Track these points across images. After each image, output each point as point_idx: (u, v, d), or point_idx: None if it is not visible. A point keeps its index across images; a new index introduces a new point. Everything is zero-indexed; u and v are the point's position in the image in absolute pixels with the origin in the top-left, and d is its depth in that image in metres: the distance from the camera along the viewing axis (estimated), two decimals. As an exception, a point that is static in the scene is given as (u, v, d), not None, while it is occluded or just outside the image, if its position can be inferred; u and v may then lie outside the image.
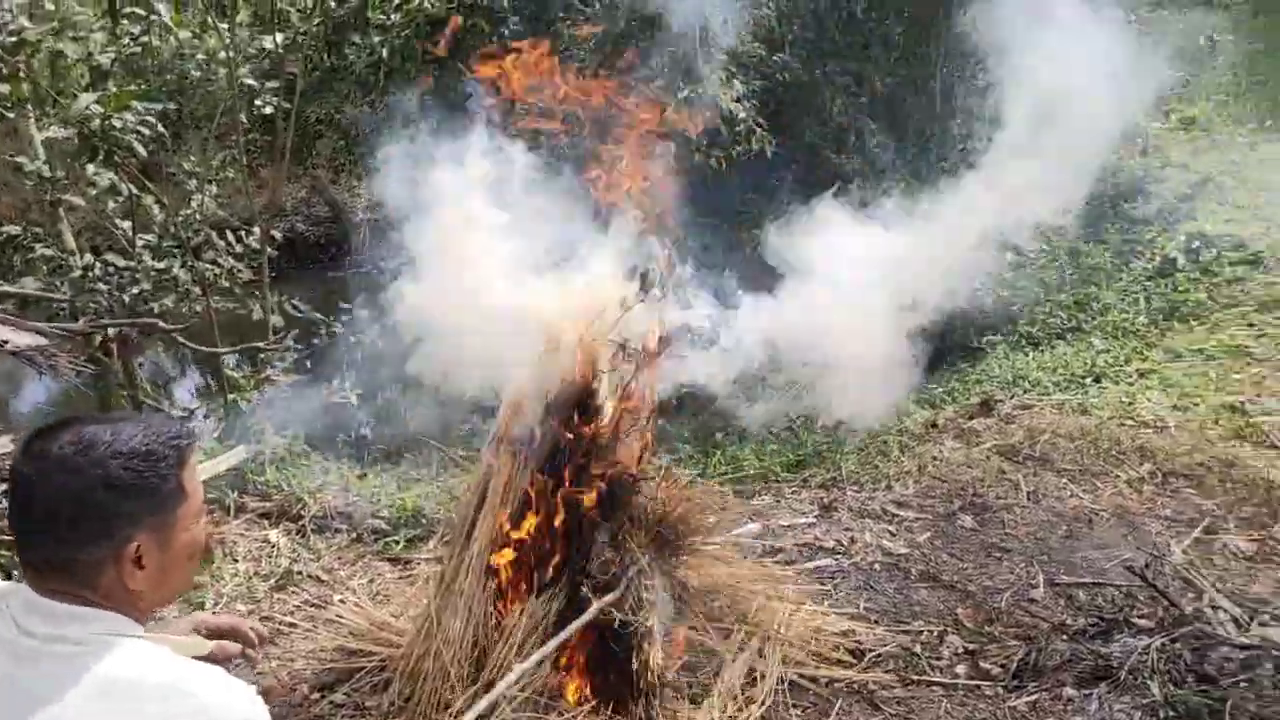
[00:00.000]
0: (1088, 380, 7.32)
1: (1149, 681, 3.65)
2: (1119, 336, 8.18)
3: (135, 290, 6.89)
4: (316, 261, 14.71)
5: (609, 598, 3.63)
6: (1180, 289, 8.50)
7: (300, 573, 4.65)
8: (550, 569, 3.72)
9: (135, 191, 7.02)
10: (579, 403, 3.69)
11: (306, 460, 5.87)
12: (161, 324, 5.66)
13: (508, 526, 3.69)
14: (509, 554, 3.70)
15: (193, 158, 8.67)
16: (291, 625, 4.24)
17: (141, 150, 6.61)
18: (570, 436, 3.70)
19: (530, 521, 3.73)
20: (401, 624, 4.11)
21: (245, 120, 7.71)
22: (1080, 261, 9.94)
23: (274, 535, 4.92)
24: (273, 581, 4.56)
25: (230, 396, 7.44)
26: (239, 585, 4.49)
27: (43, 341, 5.33)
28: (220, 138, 11.70)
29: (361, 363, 12.14)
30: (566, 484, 3.75)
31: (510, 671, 3.45)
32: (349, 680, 3.83)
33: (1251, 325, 7.50)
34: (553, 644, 3.54)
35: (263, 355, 7.30)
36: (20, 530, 1.52)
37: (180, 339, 5.92)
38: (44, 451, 1.49)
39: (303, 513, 5.13)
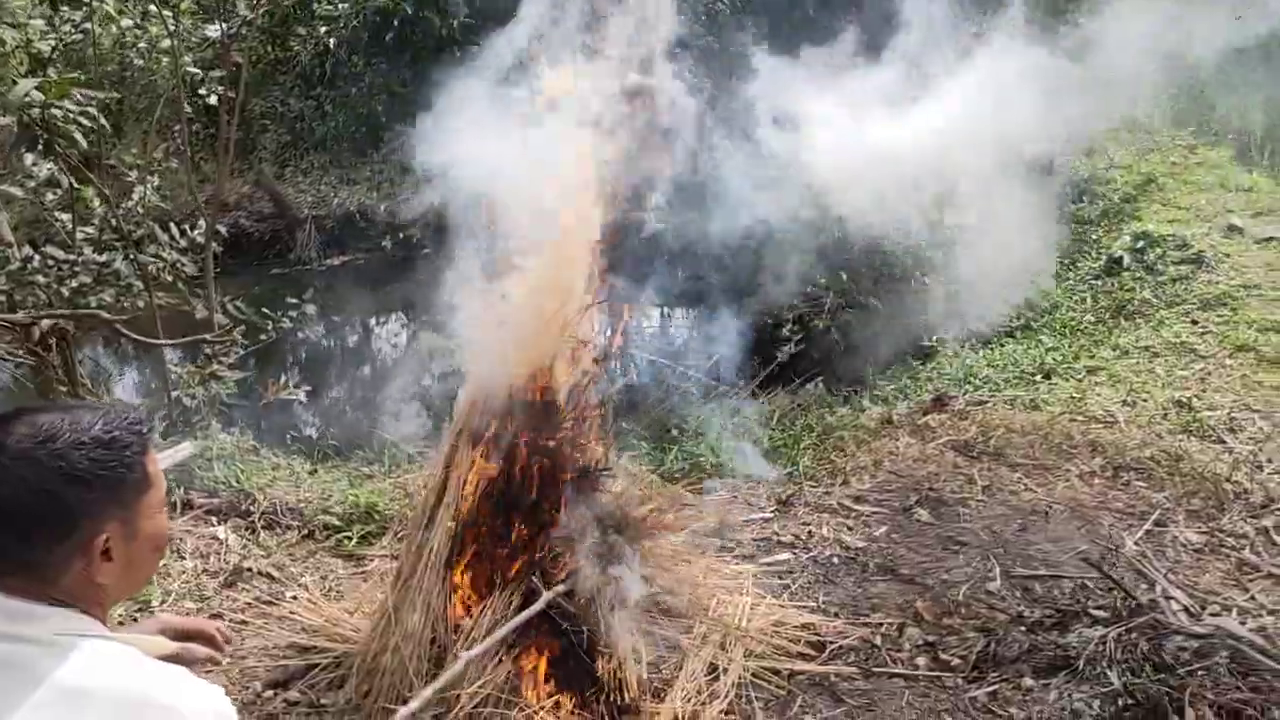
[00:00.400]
0: (1038, 377, 7.39)
1: (1108, 671, 3.67)
2: (1068, 334, 8.28)
3: (75, 283, 6.71)
4: (260, 259, 14.43)
5: (558, 589, 3.61)
6: (1126, 288, 8.62)
7: (250, 569, 4.54)
8: (512, 566, 3.66)
9: (75, 183, 6.83)
10: (541, 397, 3.63)
11: (255, 456, 5.75)
12: (104, 314, 5.51)
13: (467, 521, 3.65)
14: (470, 551, 3.66)
15: (134, 150, 8.49)
16: (243, 623, 4.14)
17: (82, 141, 6.45)
18: (532, 430, 3.66)
19: (490, 515, 3.68)
20: (357, 620, 4.03)
21: (189, 110, 7.54)
22: (1029, 262, 10.06)
23: (222, 532, 4.80)
24: (222, 578, 4.45)
25: (174, 393, 7.28)
26: (187, 583, 4.38)
27: (-20, 333, 5.18)
28: (160, 130, 11.47)
29: (308, 359, 12.00)
30: (528, 478, 3.70)
31: (458, 661, 3.40)
32: (303, 677, 3.75)
33: (1195, 323, 7.62)
34: (500, 633, 3.49)
35: (208, 351, 7.14)
36: None
37: (124, 330, 5.75)
38: (0, 444, 1.41)
39: (252, 509, 5.02)
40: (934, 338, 9.04)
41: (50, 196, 6.85)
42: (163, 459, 4.89)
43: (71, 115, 6.32)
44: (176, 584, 4.36)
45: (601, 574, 3.71)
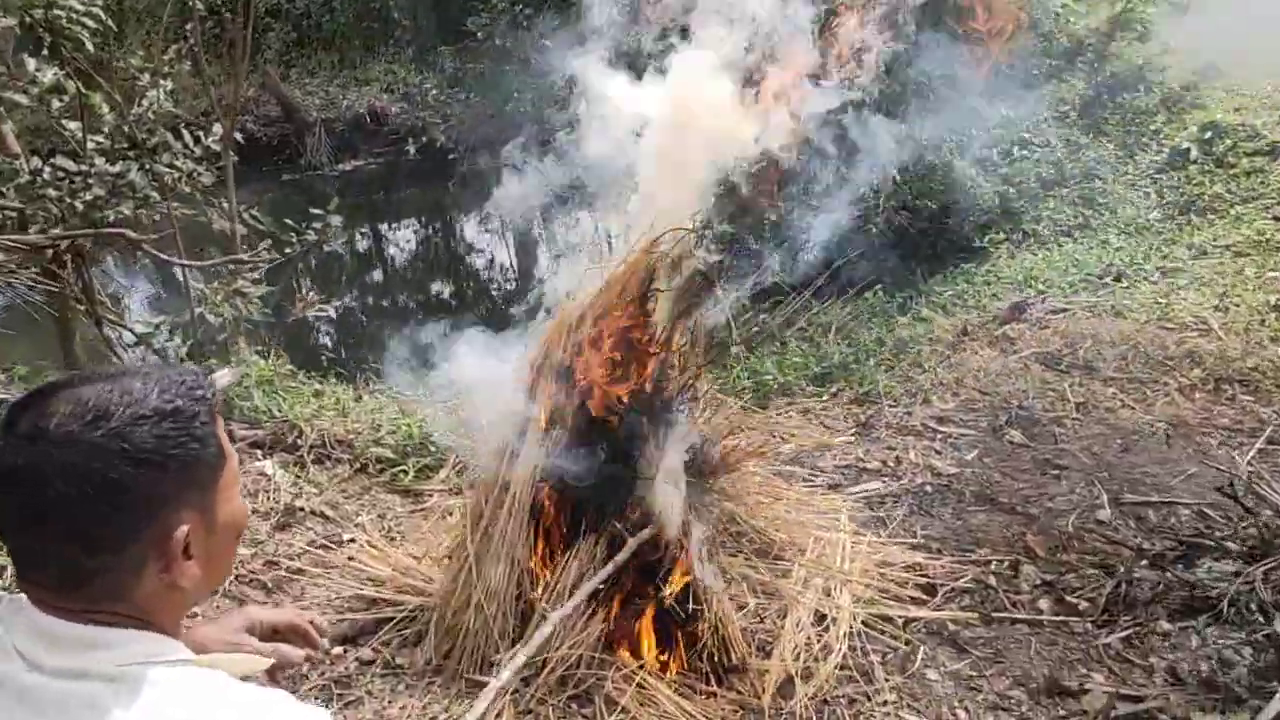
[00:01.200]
0: (1107, 279, 6.97)
1: (1258, 614, 3.35)
2: (1133, 233, 7.84)
3: (89, 196, 6.30)
4: (269, 164, 13.93)
5: (643, 534, 3.26)
6: (1195, 182, 8.16)
7: (303, 509, 4.21)
8: (596, 511, 3.32)
9: (82, 89, 6.37)
10: (633, 326, 3.24)
11: (294, 381, 5.37)
12: (130, 234, 5.10)
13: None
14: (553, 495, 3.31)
15: (140, 52, 7.98)
16: (299, 571, 3.82)
17: (89, 44, 6.00)
18: (619, 361, 3.28)
19: (573, 456, 3.32)
20: (425, 567, 3.70)
21: (201, 6, 7.02)
22: (1080, 155, 9.54)
23: (269, 467, 4.45)
24: (274, 520, 4.11)
25: (197, 310, 6.90)
26: (238, 526, 4.04)
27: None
28: (164, 31, 10.88)
29: (338, 273, 11.60)
30: (611, 413, 3.34)
31: (546, 622, 3.08)
32: (374, 633, 3.43)
33: (1278, 219, 7.17)
34: (588, 586, 3.17)
35: (232, 267, 6.74)
36: (23, 541, 1.11)
37: (154, 251, 5.35)
38: (39, 431, 1.07)
39: (299, 442, 4.66)
40: (986, 239, 8.60)
41: (56, 104, 6.40)
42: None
43: (76, 15, 5.87)
44: (226, 528, 4.03)
45: (690, 516, 3.39)
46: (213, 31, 12.72)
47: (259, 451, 4.63)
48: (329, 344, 8.47)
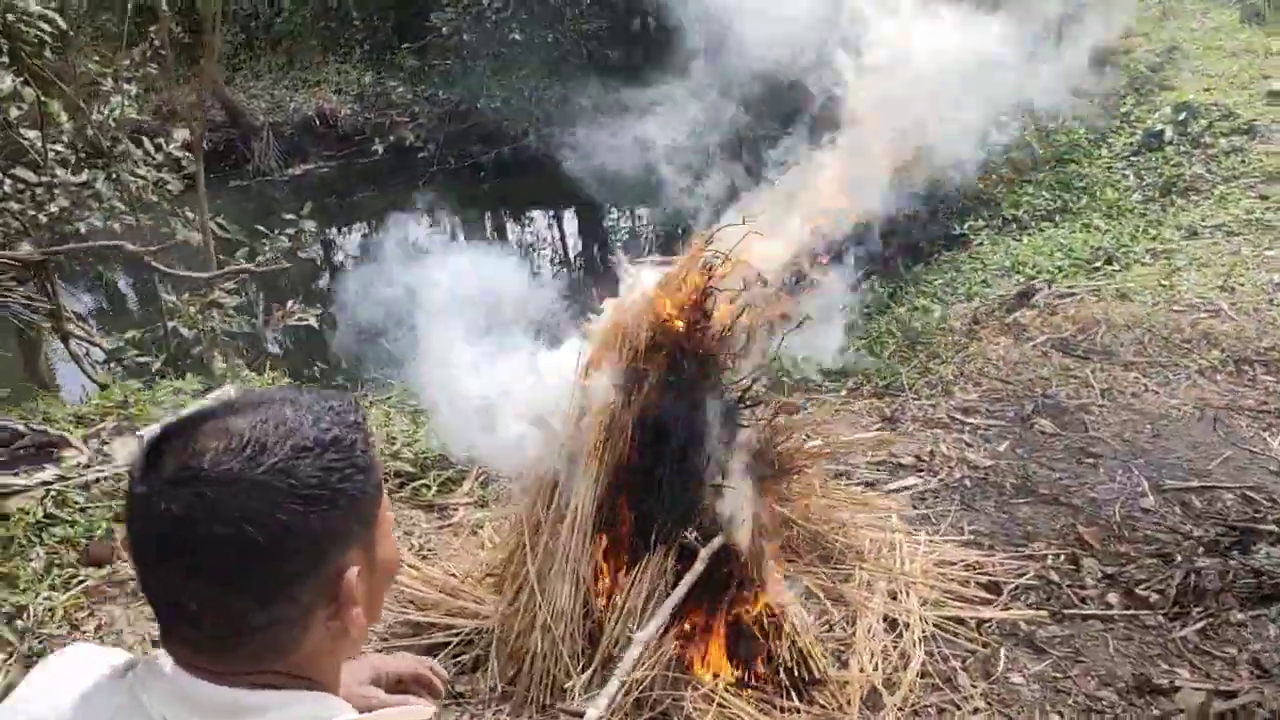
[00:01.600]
0: (1096, 263, 6.95)
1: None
2: (1116, 215, 7.83)
3: (54, 208, 6.02)
4: (216, 170, 13.52)
5: (714, 543, 3.11)
6: (1173, 163, 8.17)
7: (326, 530, 3.98)
8: (664, 520, 3.15)
9: (41, 96, 6.08)
10: (690, 325, 3.09)
11: (296, 396, 5.12)
12: (129, 245, 4.84)
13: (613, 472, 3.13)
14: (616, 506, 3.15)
15: (97, 57, 7.69)
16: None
17: (48, 51, 5.75)
18: (679, 363, 3.12)
19: (635, 463, 3.16)
20: (471, 587, 3.51)
21: (166, 8, 6.74)
22: (1051, 139, 9.53)
23: (286, 487, 4.21)
24: (299, 544, 3.89)
25: (170, 324, 6.64)
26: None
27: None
28: (108, 36, 10.52)
29: (316, 279, 11.28)
30: (673, 417, 3.18)
31: (633, 644, 2.91)
32: (427, 661, 3.24)
33: (1264, 198, 7.19)
34: (670, 602, 3.01)
35: (210, 279, 6.48)
36: (174, 596, 0.96)
37: (157, 265, 5.09)
38: (190, 471, 0.93)
39: (315, 459, 4.42)
40: (965, 226, 8.56)
41: (15, 112, 6.10)
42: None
43: (32, 19, 5.61)
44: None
45: (758, 522, 3.25)
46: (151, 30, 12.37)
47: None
48: (314, 353, 8.22)
